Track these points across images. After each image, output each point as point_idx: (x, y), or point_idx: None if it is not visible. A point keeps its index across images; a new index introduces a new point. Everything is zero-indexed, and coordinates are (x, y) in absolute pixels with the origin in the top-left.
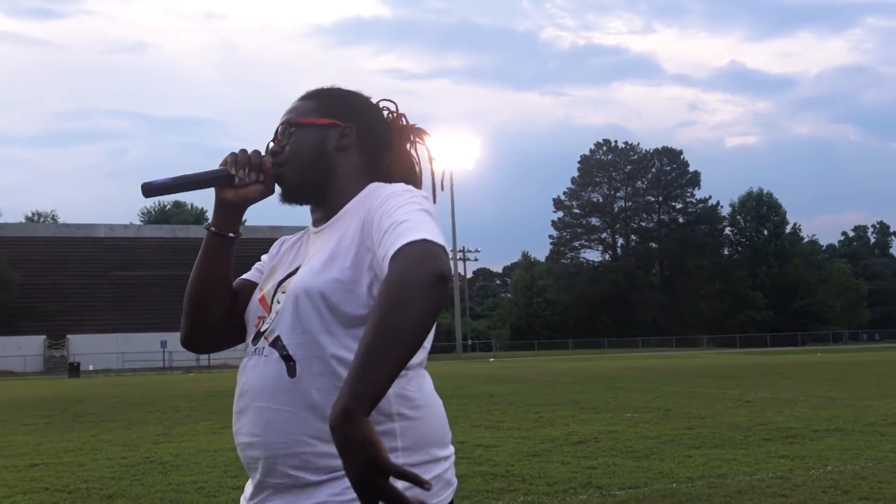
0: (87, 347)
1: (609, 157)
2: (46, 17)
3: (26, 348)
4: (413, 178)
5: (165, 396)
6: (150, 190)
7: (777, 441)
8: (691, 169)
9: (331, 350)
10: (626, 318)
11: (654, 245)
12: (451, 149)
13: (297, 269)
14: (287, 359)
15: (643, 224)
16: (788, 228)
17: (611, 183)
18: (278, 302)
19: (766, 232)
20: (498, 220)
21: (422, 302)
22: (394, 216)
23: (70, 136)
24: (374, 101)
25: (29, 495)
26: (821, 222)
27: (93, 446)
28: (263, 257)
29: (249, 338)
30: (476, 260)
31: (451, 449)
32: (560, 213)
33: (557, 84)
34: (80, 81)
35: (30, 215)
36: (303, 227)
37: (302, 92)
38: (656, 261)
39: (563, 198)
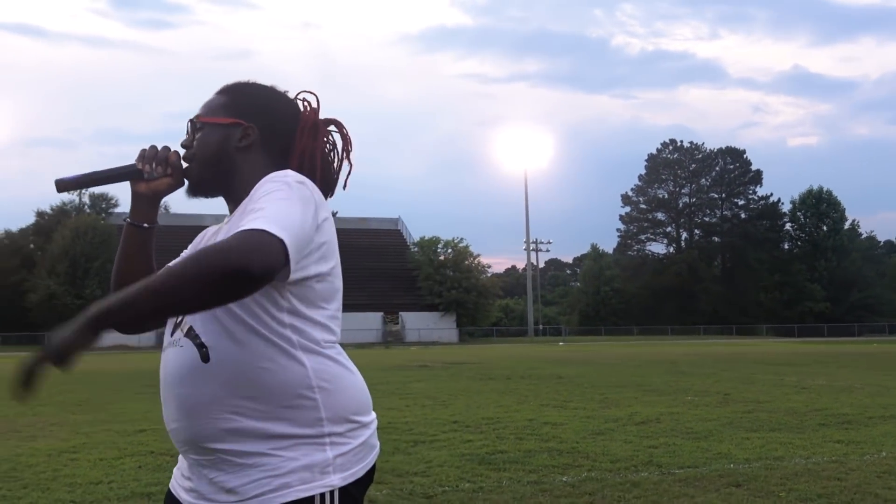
0: None
1: (675, 156)
2: (161, 28)
3: None
4: (314, 174)
5: None
6: (62, 185)
7: (833, 426)
8: (754, 168)
9: (240, 336)
10: (689, 307)
11: (716, 239)
12: (526, 147)
13: None
14: (200, 346)
15: (706, 219)
16: (847, 224)
17: (676, 180)
18: None
19: (825, 228)
20: (569, 213)
21: (193, 285)
22: (256, 203)
23: (181, 135)
24: (290, 95)
25: (136, 457)
26: (879, 219)
27: None
28: (190, 246)
29: (168, 329)
30: (548, 251)
31: (374, 415)
32: (628, 209)
33: (627, 87)
34: (192, 85)
35: None
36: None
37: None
38: (718, 254)
39: (630, 194)
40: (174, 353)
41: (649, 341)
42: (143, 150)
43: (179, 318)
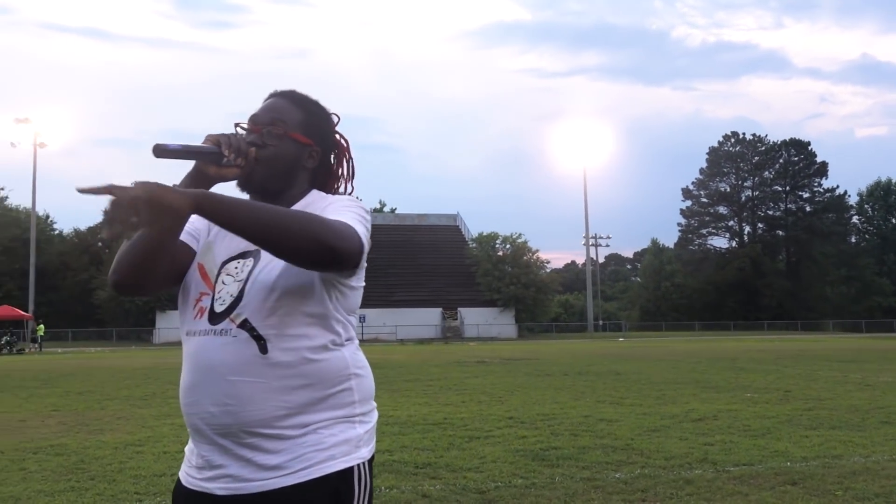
0: None
1: (737, 148)
2: (223, 28)
3: None
4: (337, 188)
5: None
6: (161, 151)
7: (895, 424)
8: (819, 159)
9: (296, 331)
10: (752, 302)
11: (780, 233)
12: (585, 141)
13: (242, 254)
14: (258, 338)
15: (769, 213)
16: None
17: (738, 173)
18: (224, 283)
19: (894, 220)
20: (629, 208)
21: (303, 240)
22: (342, 210)
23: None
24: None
25: None
26: None
27: None
28: (193, 219)
29: (194, 313)
30: (608, 246)
31: None
32: (688, 202)
33: (688, 79)
34: (253, 84)
35: None
36: None
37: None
38: (783, 248)
39: (691, 187)
40: (224, 342)
41: (711, 337)
42: (228, 138)
43: (222, 308)
